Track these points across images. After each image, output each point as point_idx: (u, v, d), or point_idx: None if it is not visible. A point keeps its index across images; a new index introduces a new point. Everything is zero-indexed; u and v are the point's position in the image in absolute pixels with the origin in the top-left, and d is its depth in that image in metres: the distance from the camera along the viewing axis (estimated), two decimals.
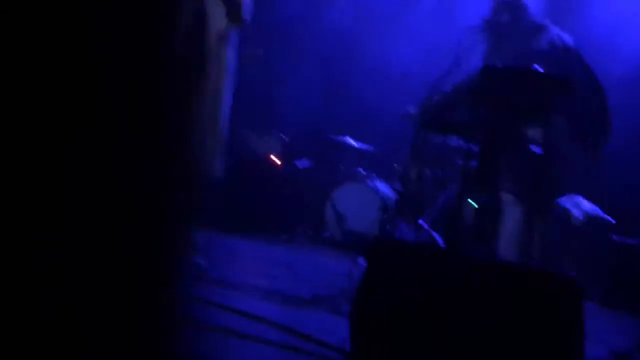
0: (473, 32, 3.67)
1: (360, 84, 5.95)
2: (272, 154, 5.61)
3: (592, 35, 4.58)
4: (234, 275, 3.26)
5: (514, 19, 3.68)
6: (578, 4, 5.08)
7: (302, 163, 5.75)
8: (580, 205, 5.21)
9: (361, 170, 5.69)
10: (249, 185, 5.27)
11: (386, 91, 5.52)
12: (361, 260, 4.12)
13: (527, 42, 3.63)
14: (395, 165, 5.48)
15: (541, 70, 3.08)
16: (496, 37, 3.66)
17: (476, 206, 4.84)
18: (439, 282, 2.05)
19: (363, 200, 5.39)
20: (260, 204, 5.25)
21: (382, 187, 5.50)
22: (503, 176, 3.71)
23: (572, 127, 3.58)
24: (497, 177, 3.77)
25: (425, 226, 4.31)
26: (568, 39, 3.60)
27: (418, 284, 2.06)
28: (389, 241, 2.53)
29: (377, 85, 5.80)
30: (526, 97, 2.98)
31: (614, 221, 5.04)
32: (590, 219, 5.06)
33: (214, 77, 3.72)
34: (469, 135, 3.52)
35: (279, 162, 5.61)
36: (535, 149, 3.23)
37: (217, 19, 3.71)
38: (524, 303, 2.00)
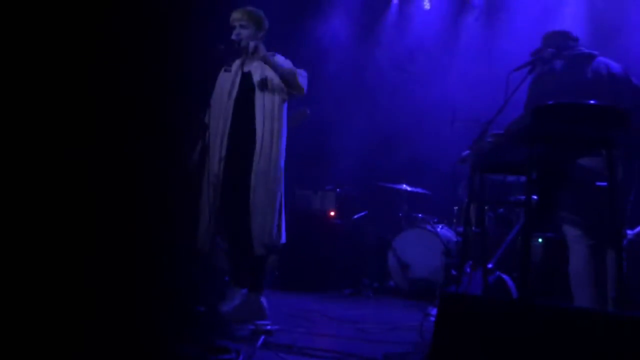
0: (519, 70, 3.63)
1: (410, 130, 5.96)
2: (329, 209, 5.64)
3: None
4: (302, 339, 3.23)
5: (561, 51, 3.64)
6: (619, 31, 4.96)
7: (360, 214, 5.75)
8: None
9: (420, 215, 5.62)
10: (310, 242, 5.29)
11: (437, 135, 5.50)
12: (430, 310, 4.03)
13: (576, 73, 3.57)
14: (455, 207, 5.40)
15: (594, 103, 2.99)
16: (544, 70, 3.61)
17: (542, 243, 4.70)
18: (519, 341, 1.94)
19: (425, 245, 5.31)
20: (322, 260, 5.27)
21: (444, 231, 5.41)
22: (567, 210, 3.60)
23: (630, 155, 3.46)
24: (560, 211, 3.67)
25: (492, 268, 4.20)
26: (616, 66, 3.51)
27: (496, 343, 1.97)
28: (459, 299, 2.45)
29: (427, 130, 5.79)
30: (581, 132, 2.90)
31: None
32: None
33: (269, 143, 3.82)
34: (526, 173, 3.44)
35: (337, 217, 5.62)
36: (597, 180, 3.11)
37: (276, 86, 3.83)
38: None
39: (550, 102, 3.04)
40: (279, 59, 3.87)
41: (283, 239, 3.87)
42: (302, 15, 5.93)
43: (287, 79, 3.76)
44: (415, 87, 6.04)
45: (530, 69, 3.86)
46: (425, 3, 6.49)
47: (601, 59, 3.56)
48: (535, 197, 3.31)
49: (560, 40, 3.77)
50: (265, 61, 3.75)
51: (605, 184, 3.05)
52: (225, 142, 3.80)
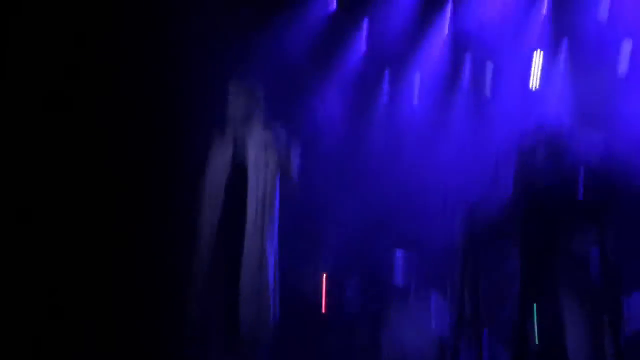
0: (508, 152, 3.72)
1: (401, 208, 5.98)
2: (321, 295, 5.59)
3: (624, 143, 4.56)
4: None
5: (551, 135, 3.73)
6: (607, 109, 5.12)
7: (351, 295, 5.70)
8: None
9: (413, 288, 5.56)
10: (301, 326, 5.19)
11: (428, 214, 5.52)
12: None
13: (564, 153, 3.65)
14: (448, 280, 5.34)
15: (582, 179, 3.07)
16: (531, 155, 3.70)
17: (538, 315, 4.65)
18: None
19: (418, 320, 5.23)
20: (312, 343, 5.15)
21: (437, 303, 5.34)
22: (564, 281, 3.59)
23: (627, 233, 3.50)
24: (556, 283, 3.66)
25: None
26: (606, 149, 3.60)
27: None
28: None
29: (418, 209, 5.82)
30: (570, 207, 2.97)
31: None
32: None
33: (261, 225, 3.83)
34: (519, 250, 3.47)
35: (327, 304, 5.57)
36: (592, 250, 3.14)
37: (269, 171, 3.89)
38: None
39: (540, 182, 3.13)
40: (273, 136, 3.94)
41: (275, 319, 3.81)
42: (298, 90, 6.11)
43: (277, 165, 3.81)
44: (407, 169, 6.12)
45: (519, 151, 3.96)
46: (415, 89, 6.69)
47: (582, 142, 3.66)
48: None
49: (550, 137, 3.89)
50: (260, 147, 3.81)
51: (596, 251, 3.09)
52: (218, 218, 3.80)
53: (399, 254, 5.57)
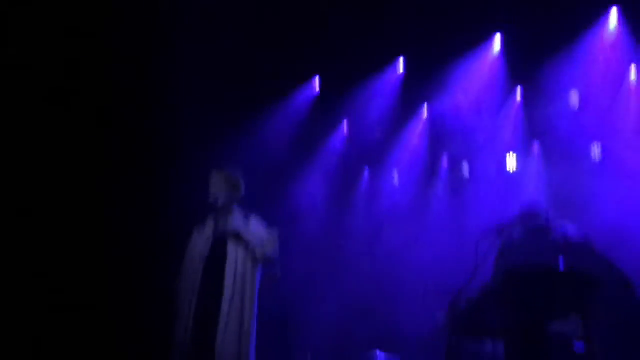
0: (487, 236, 3.72)
1: (382, 297, 5.92)
2: None
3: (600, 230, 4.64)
4: None
5: (529, 223, 3.76)
6: (583, 199, 5.24)
7: None
8: None
9: None
10: None
11: (409, 302, 5.47)
12: None
13: (543, 240, 3.67)
14: None
15: (562, 266, 3.06)
16: (511, 239, 3.71)
17: None
18: None
19: None
20: None
21: None
22: None
23: (610, 322, 3.46)
24: None
25: None
26: (581, 233, 3.64)
27: None
28: None
29: (399, 297, 5.77)
30: (553, 295, 2.93)
31: None
32: None
33: (240, 307, 3.73)
34: (502, 338, 3.40)
35: None
36: (578, 344, 3.07)
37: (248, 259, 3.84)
38: None
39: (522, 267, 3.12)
40: (253, 224, 3.92)
41: None
42: (281, 175, 6.18)
43: (256, 254, 3.78)
44: (390, 255, 6.13)
45: (498, 234, 3.99)
46: (394, 178, 6.82)
47: (568, 226, 3.70)
48: None
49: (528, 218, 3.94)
50: (240, 236, 3.79)
51: (581, 345, 3.02)
52: (195, 300, 3.70)
53: (379, 355, 5.43)
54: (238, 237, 3.79)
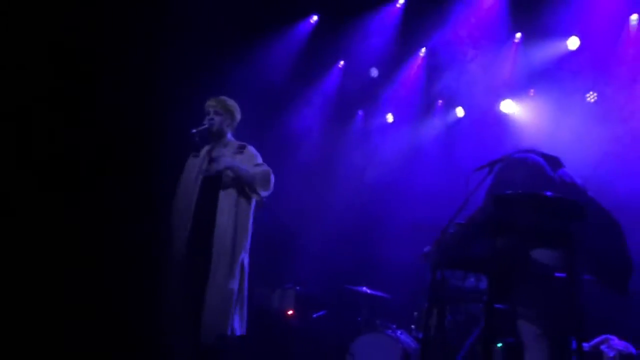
0: (480, 170, 3.75)
1: (372, 233, 6.01)
2: (288, 308, 5.50)
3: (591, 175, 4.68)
4: None
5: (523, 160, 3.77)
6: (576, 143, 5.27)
7: (319, 313, 5.62)
8: (612, 345, 4.98)
9: (379, 321, 5.52)
10: (266, 342, 5.10)
11: (400, 241, 5.55)
12: None
13: (541, 171, 3.66)
14: (414, 313, 5.33)
15: (551, 195, 3.08)
16: (509, 167, 3.70)
17: (502, 348, 4.64)
18: None
19: (384, 351, 5.15)
20: (278, 354, 5.05)
21: (403, 336, 5.30)
22: (525, 306, 3.58)
23: (591, 261, 3.52)
24: (518, 311, 3.65)
25: None
26: (577, 177, 3.66)
27: None
28: None
29: (388, 234, 5.85)
30: (540, 221, 2.96)
31: None
32: (623, 357, 4.80)
33: (232, 233, 3.79)
34: (487, 268, 3.46)
35: (295, 316, 5.48)
36: (558, 275, 3.13)
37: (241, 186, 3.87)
38: None
39: (512, 191, 3.14)
40: (248, 152, 3.93)
41: (242, 331, 3.74)
42: (277, 106, 6.17)
43: (248, 185, 3.81)
44: (380, 190, 6.19)
45: (489, 170, 4.01)
46: (388, 117, 6.83)
47: (565, 169, 3.72)
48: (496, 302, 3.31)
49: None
50: (232, 170, 3.80)
51: (564, 275, 3.09)
52: (189, 226, 3.76)
53: (365, 290, 5.55)
54: (232, 162, 3.81)
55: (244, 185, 3.83)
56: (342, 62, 6.85)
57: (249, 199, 3.89)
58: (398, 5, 6.43)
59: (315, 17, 6.64)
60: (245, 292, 3.87)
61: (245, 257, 3.87)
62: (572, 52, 5.76)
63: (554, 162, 3.73)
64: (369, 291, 5.64)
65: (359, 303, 5.71)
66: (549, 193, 3.12)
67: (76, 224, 4.85)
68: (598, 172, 4.94)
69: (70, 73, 5.04)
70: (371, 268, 5.90)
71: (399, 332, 5.31)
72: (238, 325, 3.75)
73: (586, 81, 5.56)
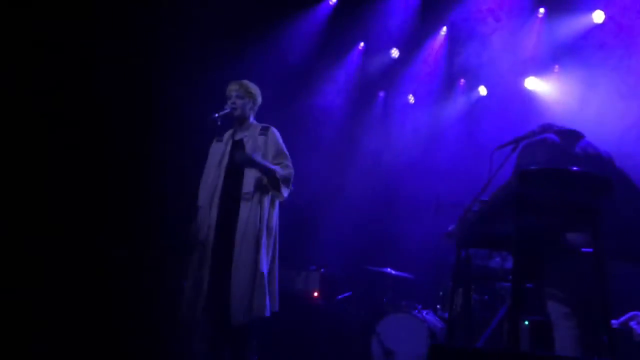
0: (503, 147, 3.71)
1: (397, 214, 6.00)
2: (313, 289, 5.54)
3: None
4: None
5: (542, 140, 3.72)
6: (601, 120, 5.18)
7: (343, 294, 5.65)
8: None
9: (404, 302, 5.53)
10: (292, 323, 5.14)
11: (422, 220, 5.54)
12: None
13: (567, 146, 3.61)
14: (440, 292, 5.32)
15: (581, 170, 3.02)
16: (534, 140, 3.66)
17: (529, 326, 4.62)
18: None
19: (410, 331, 5.16)
20: (304, 342, 5.10)
21: (429, 316, 5.30)
22: (553, 286, 3.55)
23: (618, 234, 3.47)
24: (546, 291, 3.62)
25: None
26: (602, 148, 3.60)
27: None
28: (448, 351, 2.36)
29: (412, 215, 5.84)
30: (566, 197, 2.91)
31: None
32: None
33: (257, 212, 3.82)
34: (513, 247, 3.42)
35: (320, 297, 5.51)
36: (585, 250, 3.08)
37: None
38: None
39: (536, 167, 3.10)
40: (272, 135, 3.94)
41: (273, 308, 3.79)
42: (298, 89, 6.17)
43: (270, 184, 3.83)
44: (403, 171, 6.17)
45: (513, 147, 3.96)
46: (409, 97, 6.78)
47: (588, 139, 3.67)
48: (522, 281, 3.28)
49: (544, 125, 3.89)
50: (255, 165, 3.81)
51: (590, 250, 3.03)
52: (215, 211, 3.80)
53: (390, 272, 5.55)
54: (256, 144, 3.83)
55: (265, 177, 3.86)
56: (362, 44, 6.80)
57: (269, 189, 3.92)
58: None
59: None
60: (276, 272, 3.91)
61: (273, 239, 3.91)
62: (597, 26, 5.65)
63: (574, 135, 3.67)
64: (393, 272, 5.65)
65: (384, 284, 5.72)
66: (574, 168, 3.06)
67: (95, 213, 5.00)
68: (624, 141, 4.86)
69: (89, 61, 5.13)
70: (395, 248, 5.90)
71: (424, 312, 5.32)
72: (270, 304, 3.80)
73: (612, 55, 5.45)
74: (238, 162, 3.80)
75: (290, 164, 3.92)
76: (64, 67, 4.83)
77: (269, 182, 3.80)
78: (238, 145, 3.95)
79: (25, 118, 4.66)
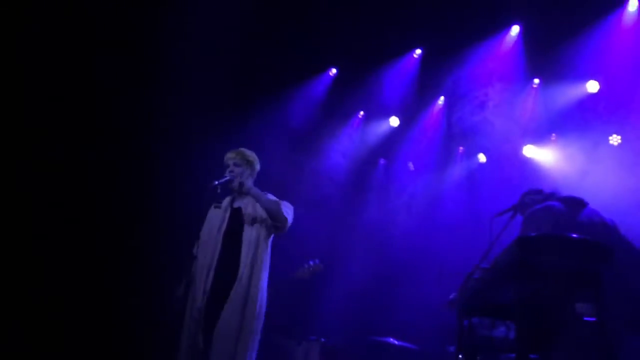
0: (502, 215, 3.72)
1: (398, 283, 5.93)
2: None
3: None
4: None
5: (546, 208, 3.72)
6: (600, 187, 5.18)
7: None
8: None
9: None
10: None
11: (425, 289, 5.46)
12: None
13: (572, 214, 3.61)
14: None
15: (581, 237, 3.00)
16: (538, 207, 3.65)
17: None
18: None
19: None
20: None
21: None
22: (562, 358, 3.46)
23: (624, 304, 3.41)
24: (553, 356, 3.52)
25: None
26: (606, 216, 3.59)
27: None
28: None
29: (414, 283, 5.77)
30: (567, 264, 2.89)
31: None
32: None
33: (249, 272, 3.79)
34: (515, 315, 3.36)
35: None
36: (588, 319, 3.03)
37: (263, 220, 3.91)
38: None
39: (535, 234, 3.08)
40: (268, 200, 3.97)
41: None
42: (299, 155, 6.25)
43: (270, 210, 3.85)
44: (404, 239, 6.14)
45: (512, 214, 3.97)
46: (409, 165, 6.84)
47: (591, 207, 3.66)
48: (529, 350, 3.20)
49: (536, 196, 3.90)
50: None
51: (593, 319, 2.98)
52: (212, 275, 3.77)
53: (393, 342, 5.43)
54: (256, 210, 3.85)
55: (266, 222, 3.86)
56: (362, 113, 6.93)
57: (267, 239, 3.93)
58: (415, 56, 6.56)
59: (334, 70, 6.78)
60: (259, 333, 3.84)
61: (263, 297, 3.87)
62: (592, 95, 5.76)
63: (577, 203, 3.68)
64: (396, 342, 5.51)
65: (387, 355, 5.57)
66: (574, 235, 3.05)
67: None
68: (626, 210, 4.84)
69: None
70: (397, 318, 5.79)
71: None
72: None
73: (609, 124, 5.53)
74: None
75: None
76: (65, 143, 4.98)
77: (269, 210, 3.85)
78: (237, 213, 3.97)
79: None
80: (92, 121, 5.19)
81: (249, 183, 4.01)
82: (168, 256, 4.59)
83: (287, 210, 3.94)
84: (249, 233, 3.88)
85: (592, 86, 5.79)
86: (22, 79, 4.88)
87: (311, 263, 4.94)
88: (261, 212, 3.94)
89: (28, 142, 4.88)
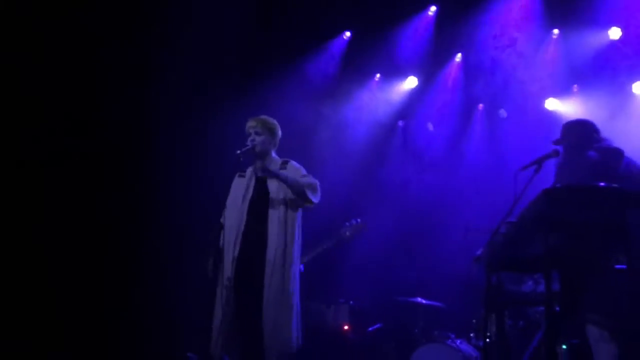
0: (526, 168, 3.67)
1: (424, 241, 5.94)
2: (343, 323, 5.47)
3: None
4: None
5: (590, 142, 3.66)
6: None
7: (374, 326, 5.57)
8: None
9: (436, 331, 5.41)
10: (324, 358, 5.08)
11: (450, 245, 5.48)
12: None
13: (610, 166, 3.56)
14: (473, 320, 5.21)
15: (608, 185, 2.95)
16: (575, 158, 3.60)
17: (567, 350, 4.47)
18: None
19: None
20: None
21: (463, 345, 5.18)
22: (590, 309, 3.44)
23: None
24: (584, 313, 3.51)
25: None
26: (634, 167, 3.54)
27: None
28: None
29: (440, 241, 5.78)
30: (594, 213, 2.85)
31: None
32: None
33: (283, 246, 3.84)
34: (544, 267, 3.34)
35: (351, 331, 5.44)
36: (620, 268, 3.00)
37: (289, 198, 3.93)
38: None
39: (561, 185, 3.04)
40: (292, 167, 3.98)
41: (299, 342, 3.76)
42: (319, 118, 6.26)
43: (296, 193, 3.84)
44: (427, 198, 6.13)
45: (537, 167, 3.92)
46: (429, 125, 6.79)
47: (629, 157, 3.61)
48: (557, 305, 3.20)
49: (583, 132, 3.83)
50: (275, 176, 3.86)
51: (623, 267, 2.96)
52: (239, 243, 3.82)
53: (420, 301, 5.46)
54: (278, 179, 3.86)
55: (292, 197, 3.88)
56: (378, 75, 6.87)
57: (295, 212, 3.94)
58: (430, 13, 6.45)
59: (348, 34, 6.70)
60: (299, 303, 3.90)
61: (296, 270, 3.91)
62: (614, 43, 5.62)
63: (615, 152, 3.61)
64: (423, 301, 5.54)
65: (415, 314, 5.62)
66: (601, 183, 3.00)
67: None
68: None
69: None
70: (424, 277, 5.81)
71: (458, 341, 5.19)
72: (300, 336, 3.80)
73: (632, 72, 5.42)
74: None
75: (313, 178, 3.99)
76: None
77: (294, 192, 3.84)
78: (261, 181, 3.98)
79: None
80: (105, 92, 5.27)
81: (272, 162, 4.00)
82: (200, 226, 4.67)
83: (312, 194, 3.90)
84: (275, 202, 3.90)
85: (614, 33, 5.65)
86: (22, 79, 4.95)
87: (353, 222, 4.94)
88: (285, 178, 3.94)
89: (28, 140, 4.97)
